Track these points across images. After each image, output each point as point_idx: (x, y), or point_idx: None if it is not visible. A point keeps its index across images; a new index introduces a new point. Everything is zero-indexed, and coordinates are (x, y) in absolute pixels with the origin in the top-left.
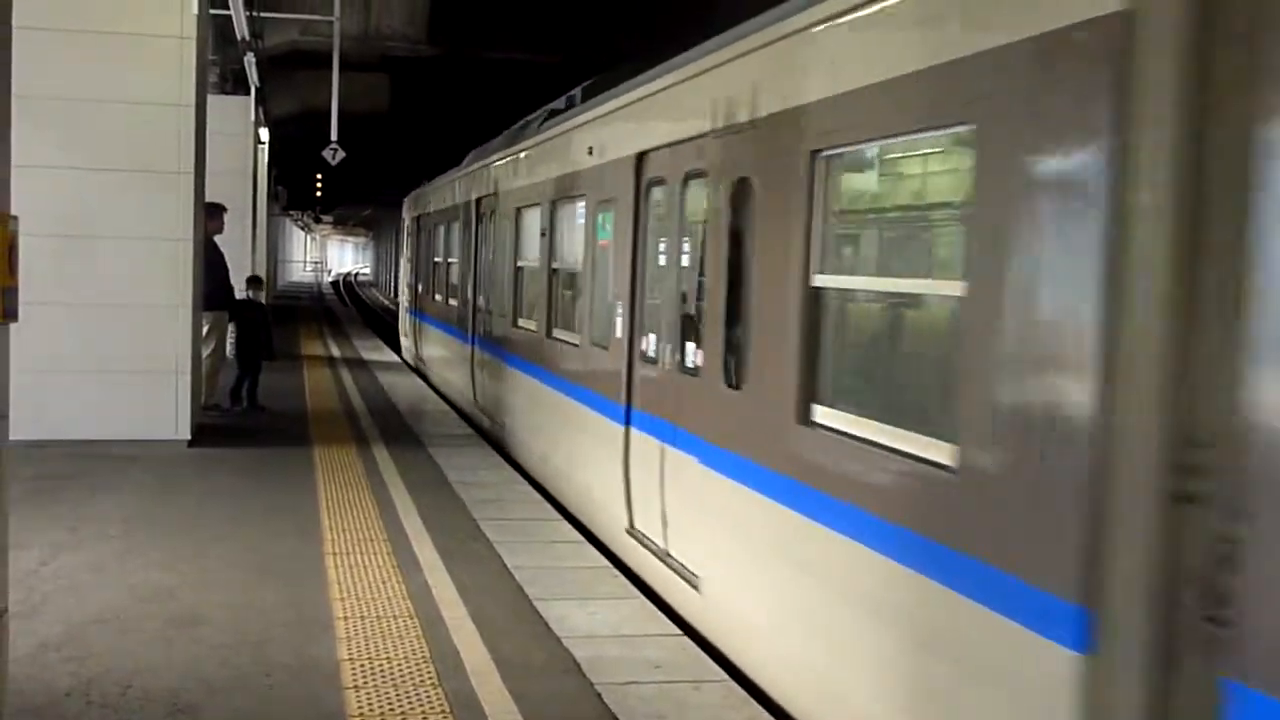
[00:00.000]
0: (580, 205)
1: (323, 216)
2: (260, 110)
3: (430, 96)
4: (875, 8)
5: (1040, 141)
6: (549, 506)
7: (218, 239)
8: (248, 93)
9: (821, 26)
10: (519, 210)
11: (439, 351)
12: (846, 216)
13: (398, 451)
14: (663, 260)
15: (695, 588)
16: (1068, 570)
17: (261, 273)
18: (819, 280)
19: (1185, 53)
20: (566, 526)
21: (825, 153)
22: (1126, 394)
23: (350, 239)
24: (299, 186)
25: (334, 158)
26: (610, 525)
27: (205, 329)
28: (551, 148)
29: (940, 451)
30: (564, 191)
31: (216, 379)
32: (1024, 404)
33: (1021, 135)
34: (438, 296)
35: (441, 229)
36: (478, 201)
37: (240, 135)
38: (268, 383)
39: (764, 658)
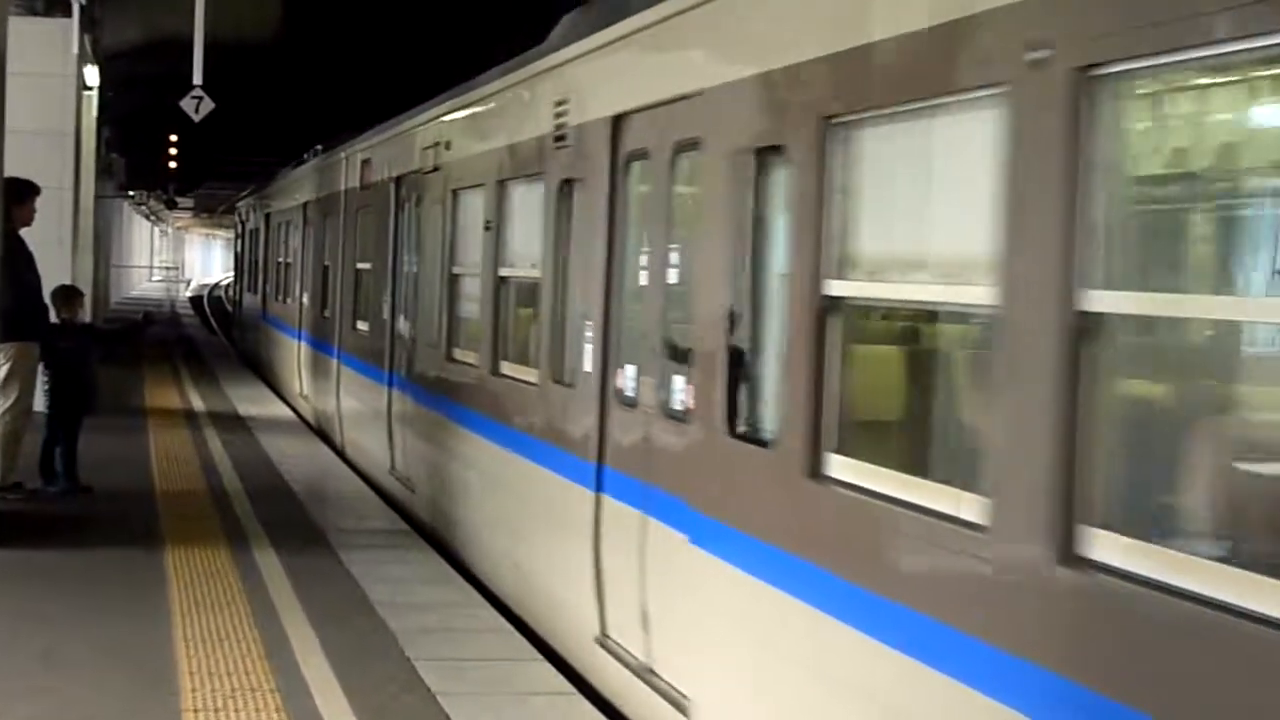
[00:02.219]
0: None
1: (180, 200)
2: (87, 40)
3: (344, 19)
4: None
5: None
6: (521, 639)
7: (24, 234)
8: (67, 13)
9: None
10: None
11: (348, 402)
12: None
13: (294, 556)
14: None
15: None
16: None
17: (85, 282)
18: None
19: None
20: (549, 670)
21: None
22: None
23: (222, 234)
24: (144, 155)
25: (198, 111)
26: (575, 631)
27: (1, 371)
28: (506, 105)
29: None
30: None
31: (18, 446)
32: None
33: None
34: (345, 320)
35: (342, 223)
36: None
37: (54, 77)
38: (92, 449)
39: None
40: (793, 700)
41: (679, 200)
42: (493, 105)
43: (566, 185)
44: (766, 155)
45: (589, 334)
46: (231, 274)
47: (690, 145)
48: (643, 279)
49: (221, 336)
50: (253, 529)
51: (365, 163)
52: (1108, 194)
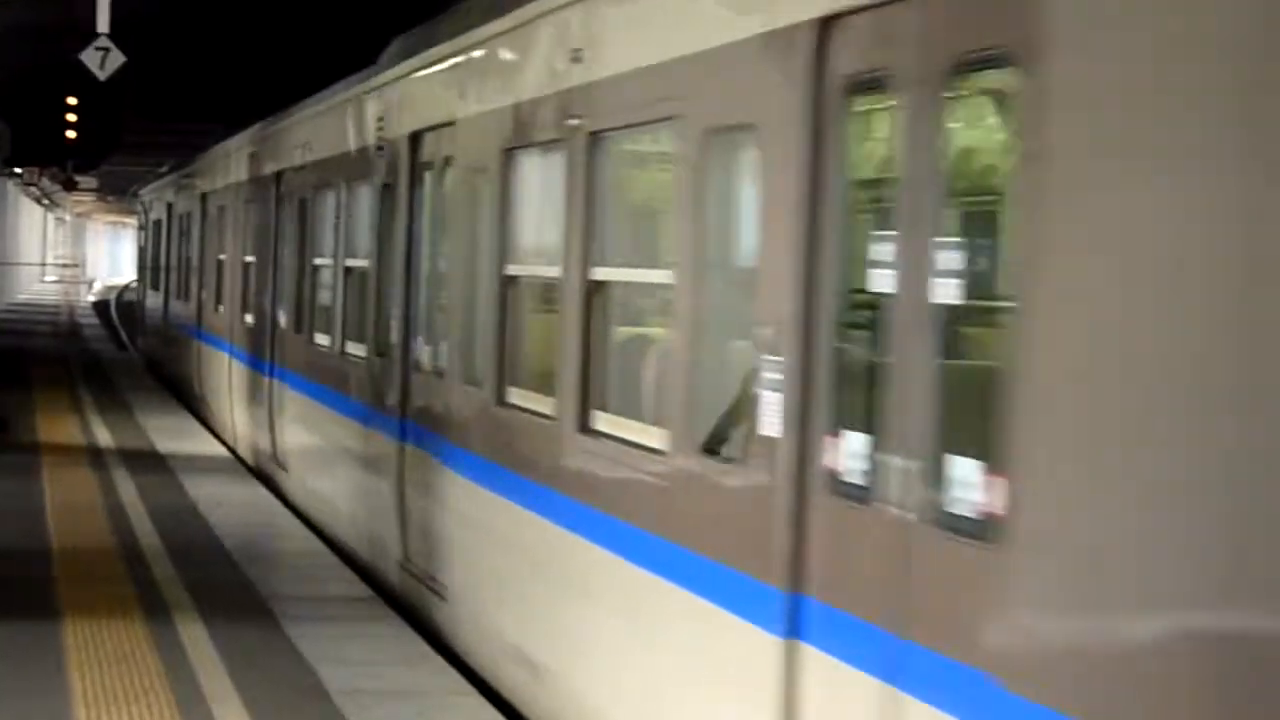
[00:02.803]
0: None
1: (80, 179)
2: None
3: None
4: None
5: None
6: None
7: None
8: None
9: None
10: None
11: (296, 436)
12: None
13: (228, 631)
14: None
15: None
16: None
17: None
18: (512, 269)
19: None
20: None
21: None
22: None
23: (134, 222)
24: (34, 122)
25: (103, 66)
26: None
27: None
28: (345, 115)
29: None
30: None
31: None
32: None
33: None
34: (229, 313)
35: (231, 217)
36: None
37: None
38: None
39: None
40: (480, 561)
41: (449, 203)
42: (336, 115)
43: (386, 189)
44: (481, 172)
45: (396, 312)
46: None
47: (448, 161)
48: (429, 267)
49: (134, 351)
50: (176, 597)
51: (252, 155)
52: (602, 210)
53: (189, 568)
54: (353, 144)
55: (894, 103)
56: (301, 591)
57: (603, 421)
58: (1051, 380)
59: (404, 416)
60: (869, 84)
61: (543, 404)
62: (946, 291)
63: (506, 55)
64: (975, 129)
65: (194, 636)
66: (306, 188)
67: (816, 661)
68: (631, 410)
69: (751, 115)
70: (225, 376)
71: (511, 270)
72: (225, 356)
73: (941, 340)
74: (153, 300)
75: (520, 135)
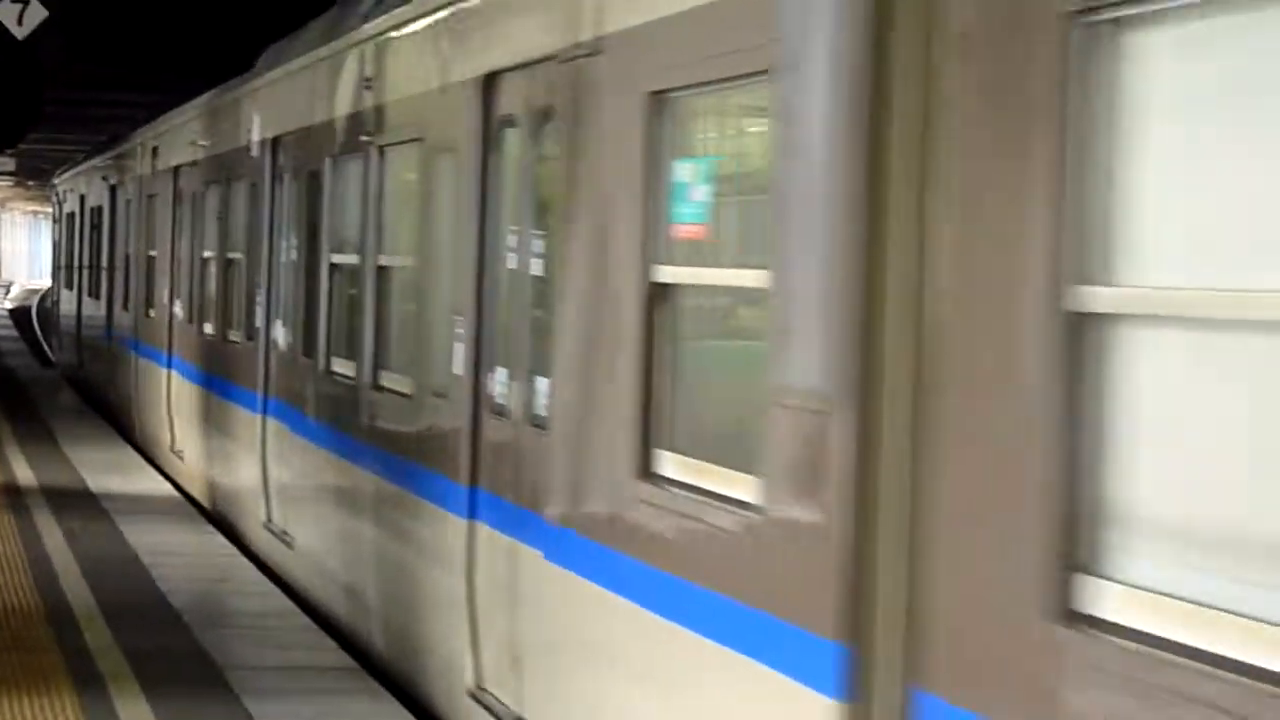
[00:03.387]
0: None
1: None
2: None
3: None
4: None
5: None
6: None
7: None
8: None
9: None
10: (208, 186)
11: (187, 422)
12: None
13: (176, 707)
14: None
15: None
16: None
17: None
18: (336, 259)
19: None
20: None
21: None
22: None
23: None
24: None
25: (21, 22)
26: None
27: None
28: (225, 117)
29: None
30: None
31: None
32: None
33: None
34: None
35: (128, 211)
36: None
37: None
38: None
39: None
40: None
41: (298, 203)
42: (221, 115)
43: (253, 187)
44: (313, 176)
45: (260, 298)
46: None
47: (296, 164)
48: (283, 258)
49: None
50: (113, 667)
51: (154, 150)
52: (385, 209)
53: (129, 632)
54: (233, 144)
55: (519, 136)
56: (266, 660)
57: (385, 378)
58: (561, 325)
59: (266, 394)
60: (508, 122)
61: (349, 368)
62: (537, 268)
63: (328, 78)
64: (549, 160)
65: (135, 716)
66: (198, 184)
67: (484, 532)
68: (396, 366)
69: (455, 139)
70: (136, 380)
71: (334, 259)
72: (132, 356)
73: (534, 302)
74: (67, 304)
75: (338, 145)
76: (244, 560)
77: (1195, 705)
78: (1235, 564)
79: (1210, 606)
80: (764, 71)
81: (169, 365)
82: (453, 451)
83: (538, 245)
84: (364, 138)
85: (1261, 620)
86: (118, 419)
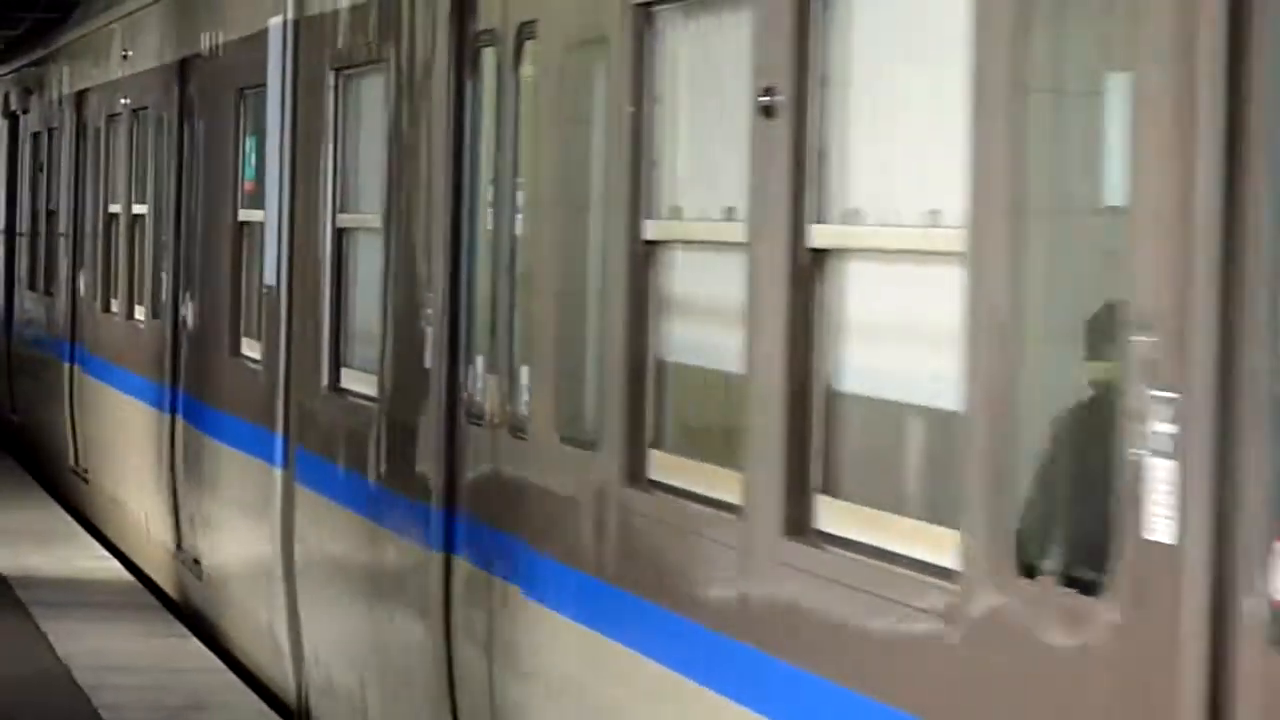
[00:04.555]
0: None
1: None
2: None
3: None
4: None
5: None
6: None
7: None
8: None
9: None
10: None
11: (90, 419)
12: None
13: None
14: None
15: None
16: None
17: None
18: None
19: None
20: None
21: None
22: None
23: None
24: None
25: None
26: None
27: None
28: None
29: None
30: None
31: None
32: None
33: None
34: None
35: None
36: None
37: None
38: None
39: None
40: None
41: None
42: (135, 24)
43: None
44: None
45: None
46: None
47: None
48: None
49: None
50: None
51: (60, 66)
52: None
53: None
54: (140, 64)
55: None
56: None
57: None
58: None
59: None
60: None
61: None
62: (141, 209)
63: (107, 44)
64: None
65: None
66: (100, 115)
67: (180, 423)
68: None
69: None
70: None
71: (112, 209)
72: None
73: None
74: None
75: (114, 105)
76: (232, 678)
77: None
78: None
79: None
80: None
81: (70, 359)
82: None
83: None
84: (124, 100)
85: None
86: (36, 458)
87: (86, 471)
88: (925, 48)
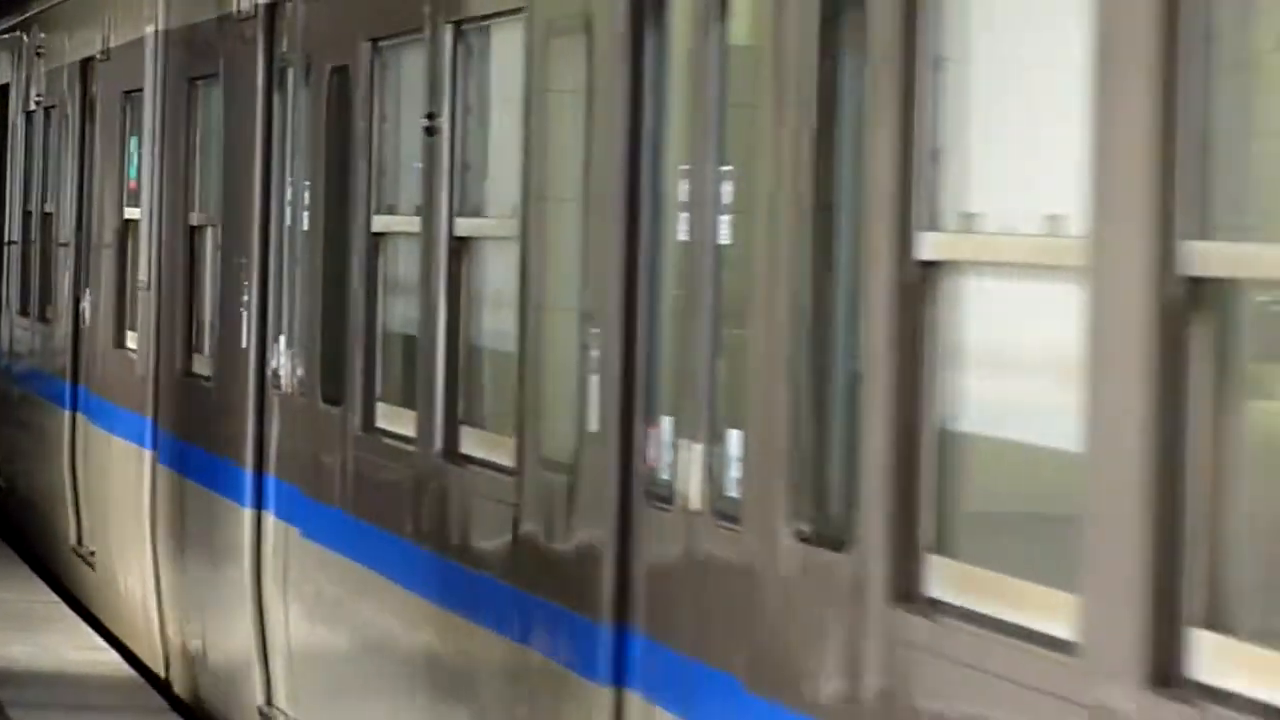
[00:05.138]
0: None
1: None
2: None
3: None
4: None
5: None
6: None
7: None
8: None
9: None
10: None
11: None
12: None
13: None
14: None
15: None
16: None
17: None
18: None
19: None
20: None
21: None
22: None
23: None
24: None
25: None
26: None
27: None
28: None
29: None
30: None
31: None
32: None
33: None
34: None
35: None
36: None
37: None
38: None
39: None
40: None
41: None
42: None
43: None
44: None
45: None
46: None
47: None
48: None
49: None
50: None
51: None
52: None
53: None
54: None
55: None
56: None
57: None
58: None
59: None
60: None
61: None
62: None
63: (19, 42)
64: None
65: None
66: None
67: (84, 423)
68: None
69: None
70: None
71: (28, 207)
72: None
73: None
74: None
75: (29, 103)
76: None
77: None
78: None
79: None
80: None
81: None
82: None
83: None
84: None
85: None
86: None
87: (93, 554)
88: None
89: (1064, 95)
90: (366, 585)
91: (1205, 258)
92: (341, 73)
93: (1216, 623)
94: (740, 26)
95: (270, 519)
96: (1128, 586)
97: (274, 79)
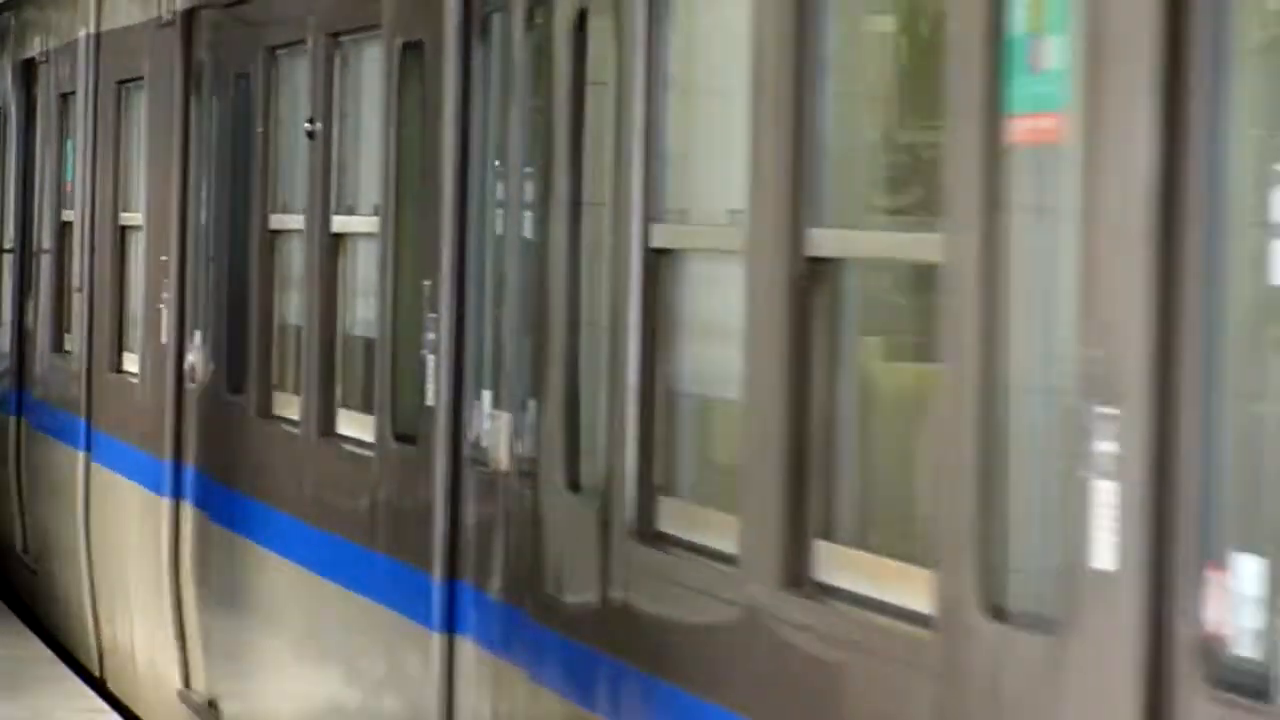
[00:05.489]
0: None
1: None
2: None
3: None
4: None
5: None
6: None
7: None
8: None
9: None
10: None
11: None
12: None
13: None
14: None
15: None
16: None
17: None
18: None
19: None
20: None
21: None
22: None
23: None
24: None
25: None
26: None
27: None
28: None
29: None
30: None
31: None
32: None
33: None
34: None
35: None
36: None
37: None
38: None
39: None
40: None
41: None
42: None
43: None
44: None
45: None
46: None
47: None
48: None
49: None
50: None
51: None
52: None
53: None
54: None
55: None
56: None
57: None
58: None
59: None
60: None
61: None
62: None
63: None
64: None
65: None
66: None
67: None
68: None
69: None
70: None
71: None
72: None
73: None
74: None
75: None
76: None
77: None
78: None
79: None
80: None
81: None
82: None
83: None
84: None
85: None
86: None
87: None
88: None
89: (739, 112)
90: (263, 563)
91: (822, 242)
92: (244, 78)
93: (832, 534)
94: (536, 43)
95: (187, 507)
96: (769, 508)
97: (191, 83)
